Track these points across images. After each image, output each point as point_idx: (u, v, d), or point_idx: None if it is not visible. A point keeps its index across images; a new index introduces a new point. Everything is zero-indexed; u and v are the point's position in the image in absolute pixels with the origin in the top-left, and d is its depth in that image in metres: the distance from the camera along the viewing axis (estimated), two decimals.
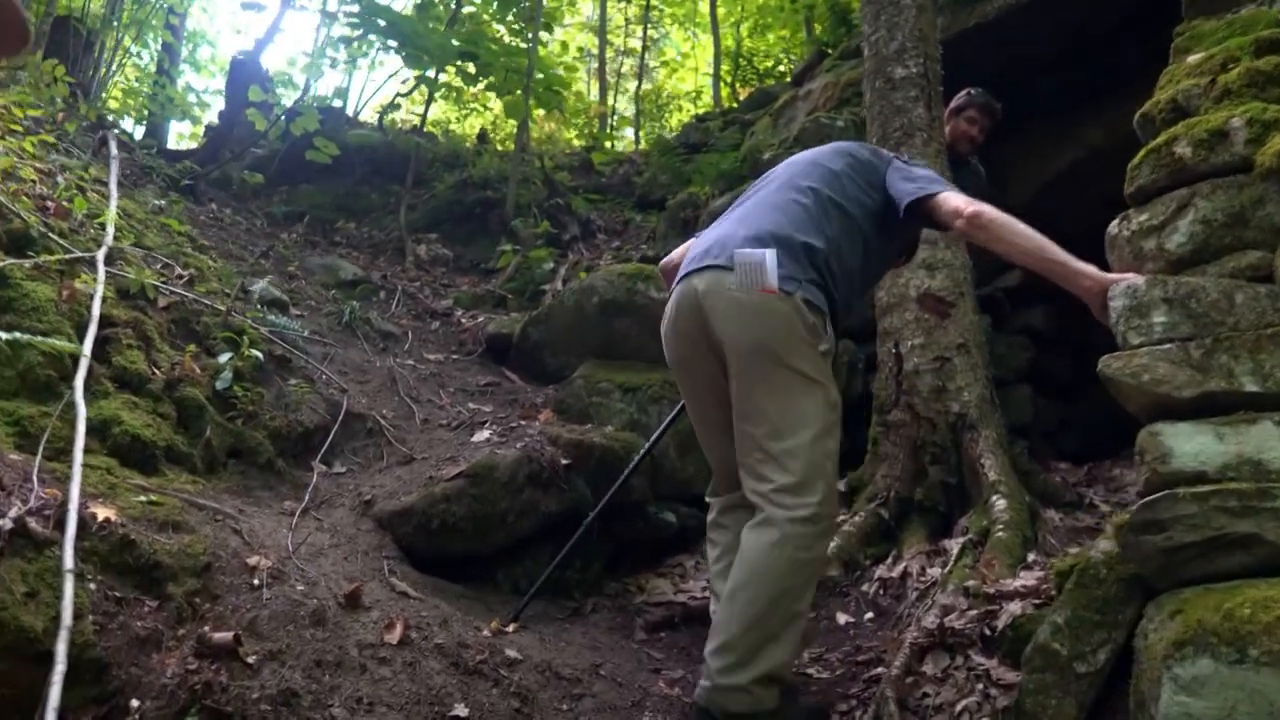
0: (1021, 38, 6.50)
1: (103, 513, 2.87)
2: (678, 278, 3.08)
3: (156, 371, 3.88)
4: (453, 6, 10.07)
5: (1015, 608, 3.20)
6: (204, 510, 3.31)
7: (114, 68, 11.38)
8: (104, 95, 10.64)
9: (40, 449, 3.07)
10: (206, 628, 2.76)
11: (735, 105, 12.22)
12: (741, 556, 2.83)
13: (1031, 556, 3.81)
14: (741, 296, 2.81)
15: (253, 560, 3.10)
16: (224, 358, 4.17)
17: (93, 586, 2.68)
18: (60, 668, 2.28)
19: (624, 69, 18.17)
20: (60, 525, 2.70)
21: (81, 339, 3.62)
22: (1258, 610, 2.13)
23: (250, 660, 2.70)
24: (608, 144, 13.18)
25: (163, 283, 4.48)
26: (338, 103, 11.53)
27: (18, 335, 3.27)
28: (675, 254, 3.39)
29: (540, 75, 9.21)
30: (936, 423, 4.59)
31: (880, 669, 3.35)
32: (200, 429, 3.85)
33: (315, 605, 3.01)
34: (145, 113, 11.76)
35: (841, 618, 3.94)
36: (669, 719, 3.12)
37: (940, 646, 3.26)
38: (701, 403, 3.19)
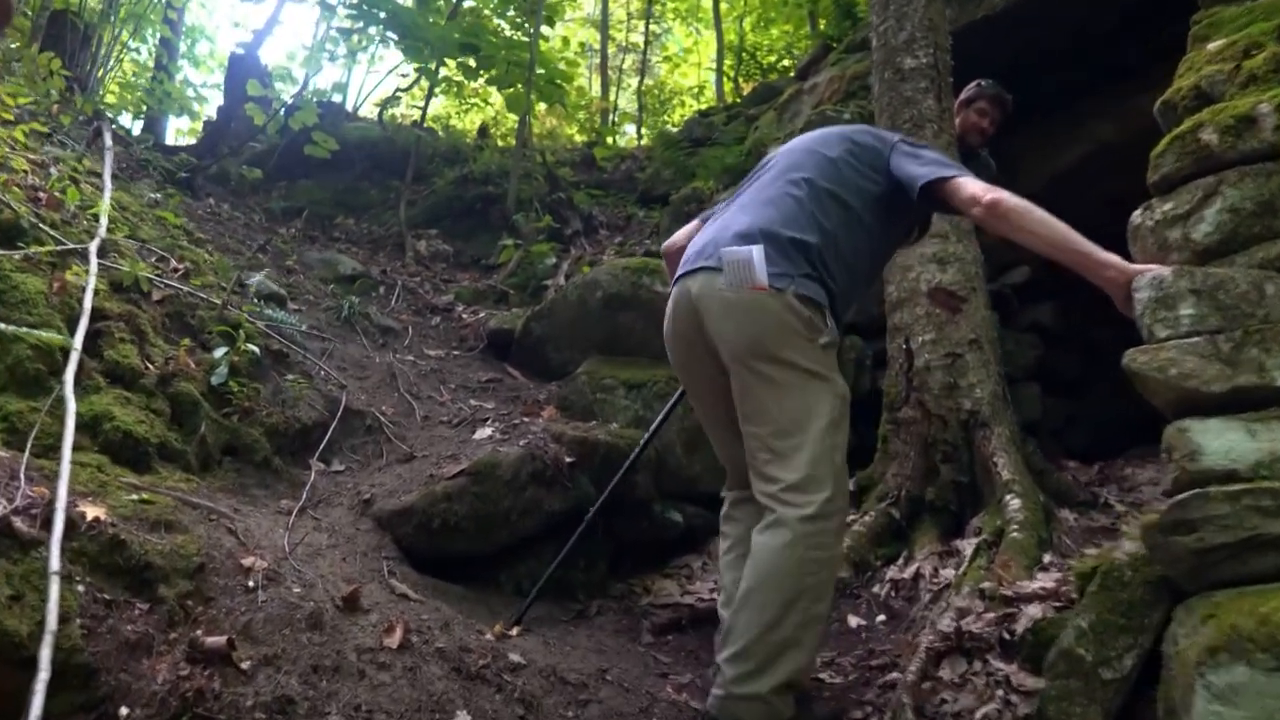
0: (1030, 29, 6.42)
1: (92, 512, 2.77)
2: (675, 278, 3.04)
3: (150, 366, 3.78)
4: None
5: (1035, 611, 3.11)
6: (198, 509, 3.21)
7: (111, 62, 11.29)
8: (101, 90, 10.53)
9: (28, 445, 2.97)
10: (199, 632, 2.66)
11: (739, 100, 12.15)
12: (753, 560, 2.75)
13: (1047, 557, 3.73)
14: (732, 296, 2.76)
15: (248, 561, 3.00)
16: (219, 352, 4.07)
17: (81, 588, 2.58)
18: (44, 674, 2.18)
19: (626, 64, 18.09)
20: (48, 525, 2.60)
21: (72, 332, 3.51)
22: None
23: (244, 666, 2.60)
24: (610, 139, 13.08)
25: (157, 276, 4.37)
26: (337, 97, 11.46)
27: (5, 327, 3.17)
28: (678, 236, 3.36)
29: (542, 70, 9.13)
30: (948, 420, 4.50)
31: (895, 674, 3.26)
32: (194, 425, 3.74)
33: (312, 608, 2.91)
34: (143, 108, 11.67)
35: (853, 620, 3.85)
36: None
37: (957, 651, 3.17)
38: (706, 403, 3.16)
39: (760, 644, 2.66)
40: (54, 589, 2.40)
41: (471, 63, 9.01)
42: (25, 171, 4.59)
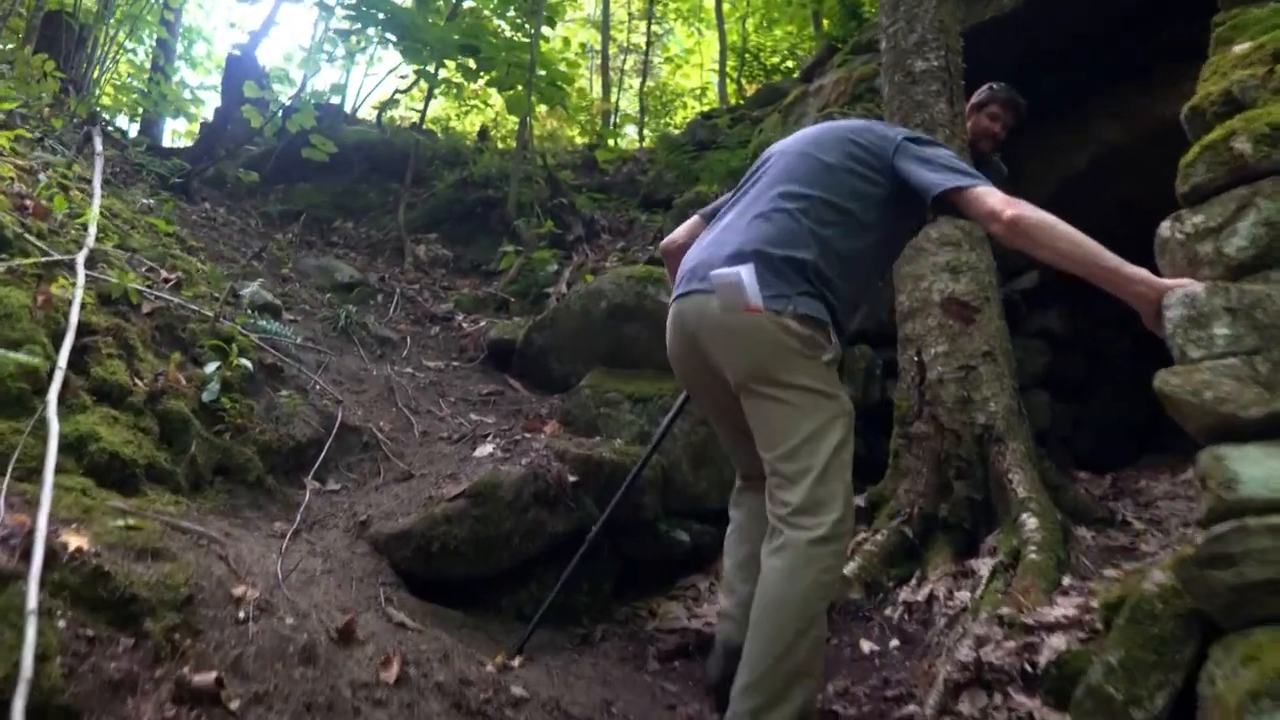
0: (1038, 30, 6.31)
1: (75, 541, 2.63)
2: (672, 297, 2.99)
3: (138, 383, 3.64)
4: (453, 0, 9.86)
5: (1058, 642, 3.00)
6: (187, 534, 3.08)
7: (107, 64, 11.18)
8: (96, 91, 10.42)
9: (9, 469, 2.84)
10: (186, 669, 2.53)
11: (742, 102, 12.04)
12: (762, 586, 2.66)
13: (1067, 580, 3.62)
14: (728, 320, 2.71)
15: (238, 591, 2.87)
16: (211, 367, 3.93)
17: (62, 624, 2.44)
18: None
19: (627, 65, 17.98)
20: (28, 556, 2.47)
21: (57, 348, 3.37)
22: None
23: (233, 706, 2.47)
24: (611, 142, 12.95)
25: (147, 287, 4.24)
26: (335, 99, 11.32)
27: None
28: (678, 233, 3.31)
29: (543, 71, 9.01)
30: (961, 435, 4.38)
31: (913, 706, 3.15)
32: (185, 445, 3.61)
33: (305, 640, 2.78)
34: (139, 110, 11.56)
35: (865, 645, 3.73)
36: None
37: (977, 683, 3.05)
38: (714, 414, 3.16)
39: (772, 675, 2.56)
40: (30, 630, 2.26)
41: (471, 64, 8.90)
42: (12, 178, 4.46)
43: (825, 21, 10.88)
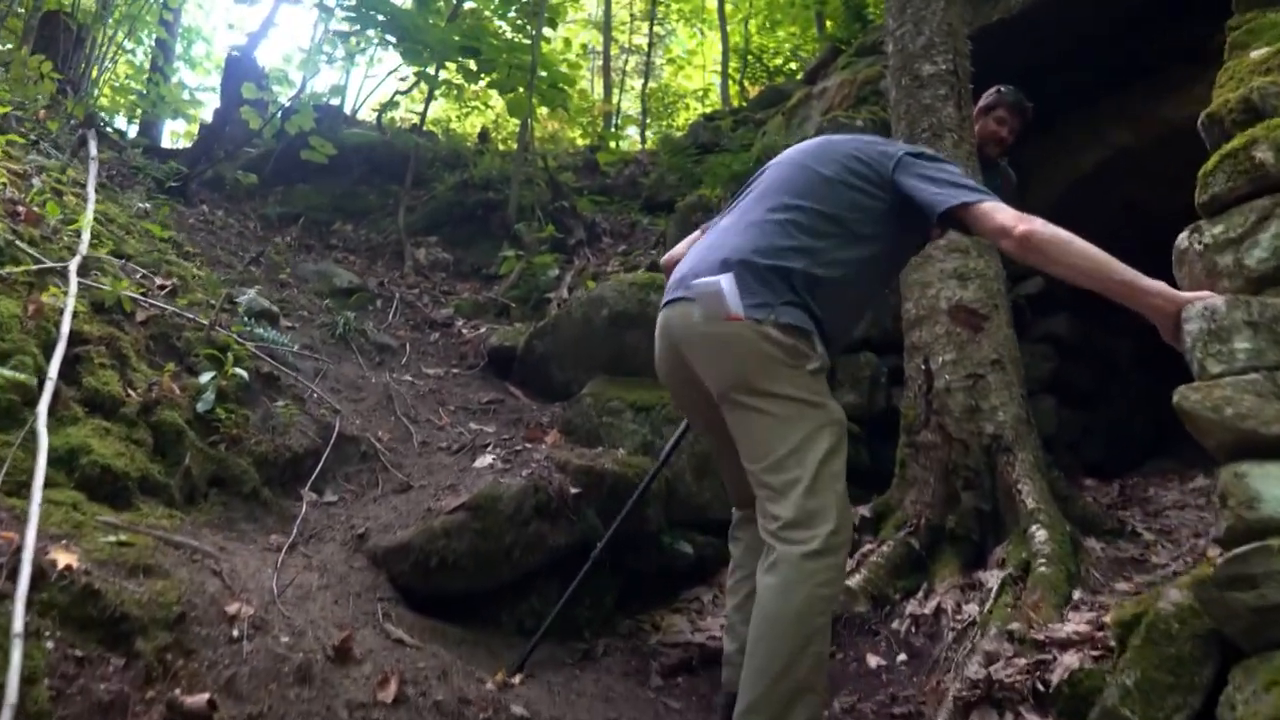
0: (1044, 32, 6.26)
1: (64, 559, 2.57)
2: (662, 303, 2.96)
3: (132, 393, 3.58)
4: (453, 1, 9.79)
5: (1071, 660, 2.93)
6: (180, 549, 3.02)
7: (106, 64, 11.13)
8: (95, 93, 10.36)
9: None
10: (178, 690, 2.47)
11: (745, 104, 11.98)
12: (758, 605, 2.61)
13: (1077, 594, 3.56)
14: (709, 330, 2.68)
15: (232, 608, 2.81)
16: (206, 377, 3.86)
17: (50, 645, 2.38)
18: None
19: (629, 66, 17.92)
20: (15, 575, 2.40)
21: (48, 358, 3.31)
22: None
23: None
24: (613, 144, 12.89)
25: (142, 294, 4.17)
26: (335, 100, 11.27)
27: None
28: (680, 248, 3.25)
29: (544, 72, 8.95)
30: (969, 444, 4.31)
31: None
32: (179, 456, 3.54)
33: (301, 659, 2.72)
34: (138, 111, 11.50)
35: (872, 660, 3.66)
36: None
37: (987, 701, 2.99)
38: (703, 429, 3.14)
39: (772, 694, 2.51)
40: (16, 653, 2.20)
41: (472, 66, 8.83)
42: (4, 184, 4.39)
43: (829, 23, 10.83)
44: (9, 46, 9.26)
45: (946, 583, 3.94)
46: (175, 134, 14.19)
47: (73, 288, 3.72)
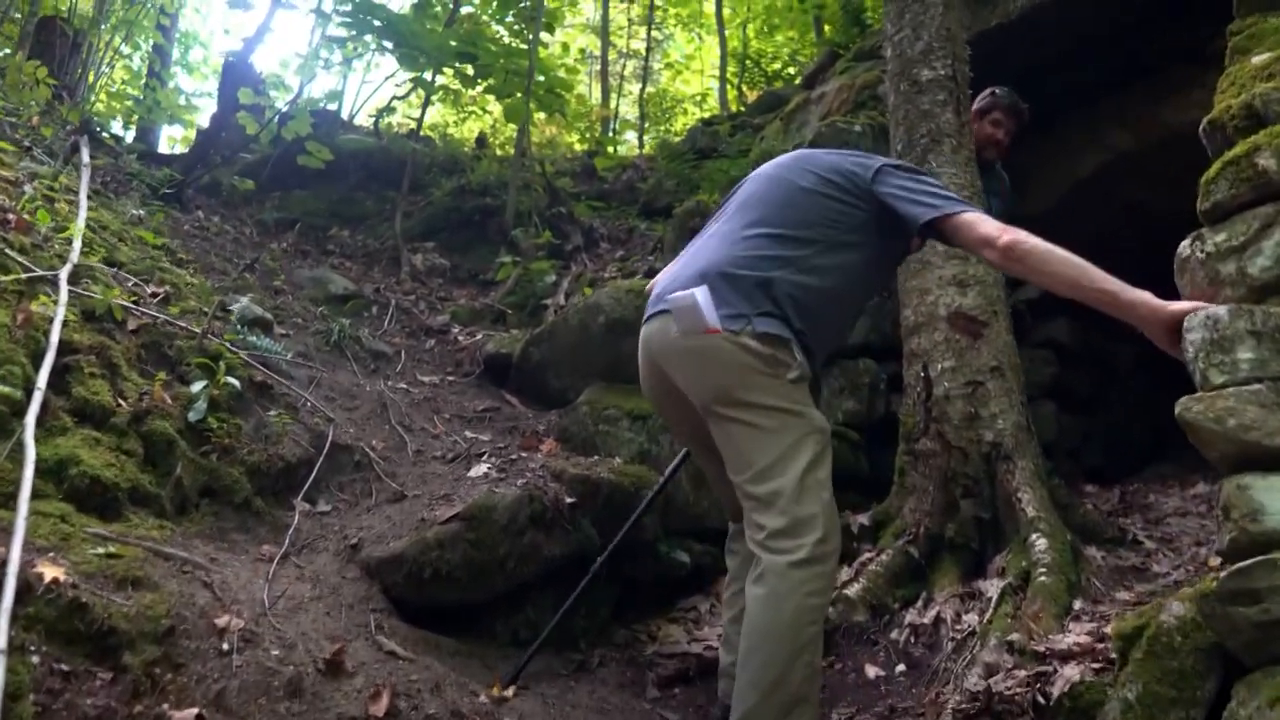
0: (1046, 33, 6.23)
1: (50, 572, 2.54)
2: (643, 320, 2.99)
3: (122, 403, 3.54)
4: (450, 6, 9.77)
5: (1071, 672, 2.90)
6: (171, 560, 2.99)
7: (102, 70, 11.12)
8: (91, 98, 10.34)
9: None
10: (166, 704, 2.45)
11: (743, 109, 11.95)
12: (748, 616, 2.60)
13: (1078, 603, 3.53)
14: (688, 343, 2.69)
15: (222, 621, 2.77)
16: (198, 386, 3.82)
17: (35, 659, 2.35)
18: None
19: (627, 71, 17.90)
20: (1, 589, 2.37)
21: (37, 368, 3.28)
22: None
23: None
24: (611, 149, 12.86)
25: (133, 302, 4.13)
26: (332, 106, 11.24)
27: None
28: (661, 276, 3.23)
29: (541, 77, 8.91)
30: (969, 452, 4.28)
31: None
32: (170, 466, 3.50)
33: (292, 673, 2.69)
34: (134, 116, 11.48)
35: (871, 670, 3.63)
36: None
37: (986, 714, 2.96)
38: (690, 442, 3.16)
39: (765, 707, 2.50)
40: (0, 670, 2.17)
41: (469, 71, 8.80)
42: None
43: (827, 27, 10.79)
44: (5, 52, 9.24)
45: (946, 592, 3.91)
46: (172, 139, 14.17)
47: (63, 296, 3.68)
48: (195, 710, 2.43)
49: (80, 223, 4.38)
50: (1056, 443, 6.05)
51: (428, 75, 9.35)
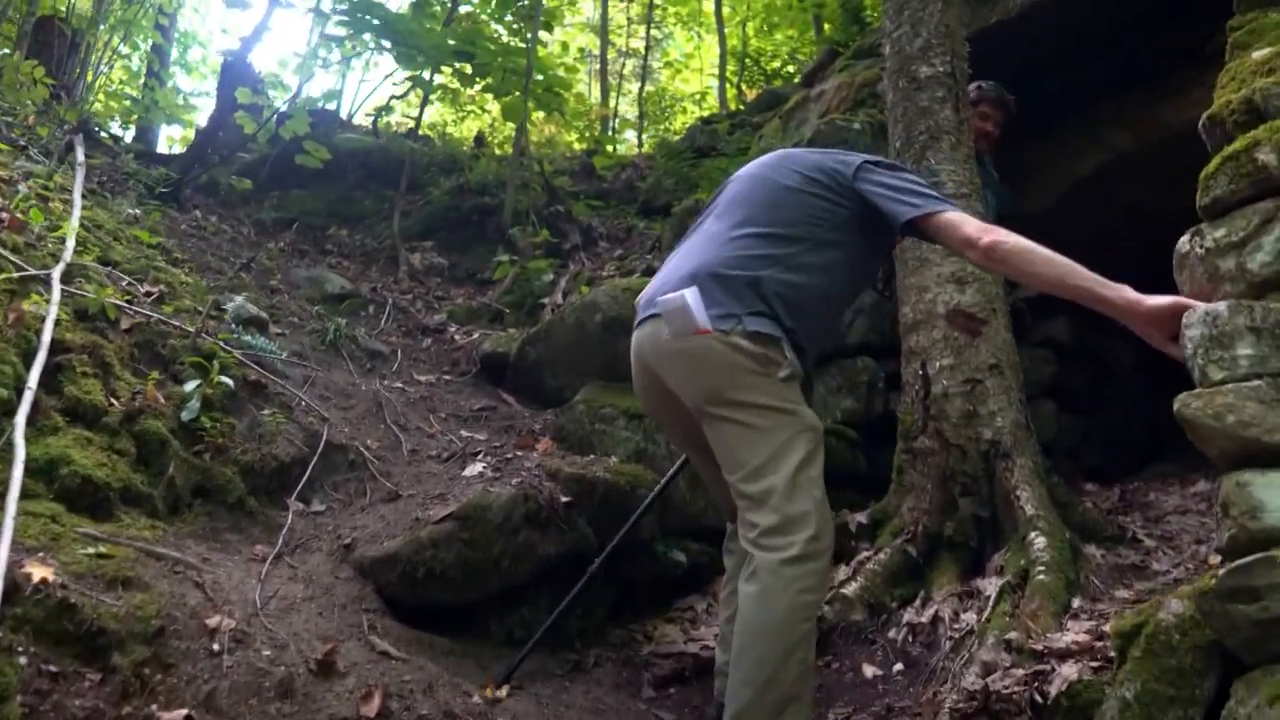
0: (1046, 31, 6.20)
1: (39, 572, 2.52)
2: (634, 325, 2.98)
3: (114, 402, 3.52)
4: (449, 5, 9.74)
5: (1070, 671, 2.87)
6: (162, 560, 2.97)
7: (102, 69, 11.11)
8: (89, 98, 10.31)
9: None
10: (155, 705, 2.43)
11: (742, 107, 11.92)
12: (740, 614, 2.61)
13: (1077, 602, 3.49)
14: (678, 345, 2.69)
15: (213, 621, 2.76)
16: (191, 385, 3.80)
17: (23, 660, 2.34)
18: None
19: (626, 70, 17.86)
20: None
21: (29, 367, 3.27)
22: None
23: None
24: (610, 148, 12.83)
25: (127, 301, 4.12)
26: (331, 105, 11.22)
27: None
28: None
29: (540, 76, 8.89)
30: (967, 450, 4.25)
31: None
32: (162, 466, 3.49)
33: (283, 673, 2.68)
34: (133, 116, 11.46)
35: (868, 669, 3.60)
36: None
37: (984, 713, 2.93)
38: (686, 445, 3.15)
39: (758, 706, 2.49)
40: None
41: (467, 70, 8.78)
42: None
43: (827, 26, 10.77)
44: (3, 52, 9.22)
45: (944, 591, 3.88)
46: (171, 140, 14.13)
47: (55, 295, 3.67)
48: (184, 711, 2.42)
49: (74, 221, 4.36)
50: (1056, 442, 6.01)
51: (426, 74, 9.32)
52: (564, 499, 3.81)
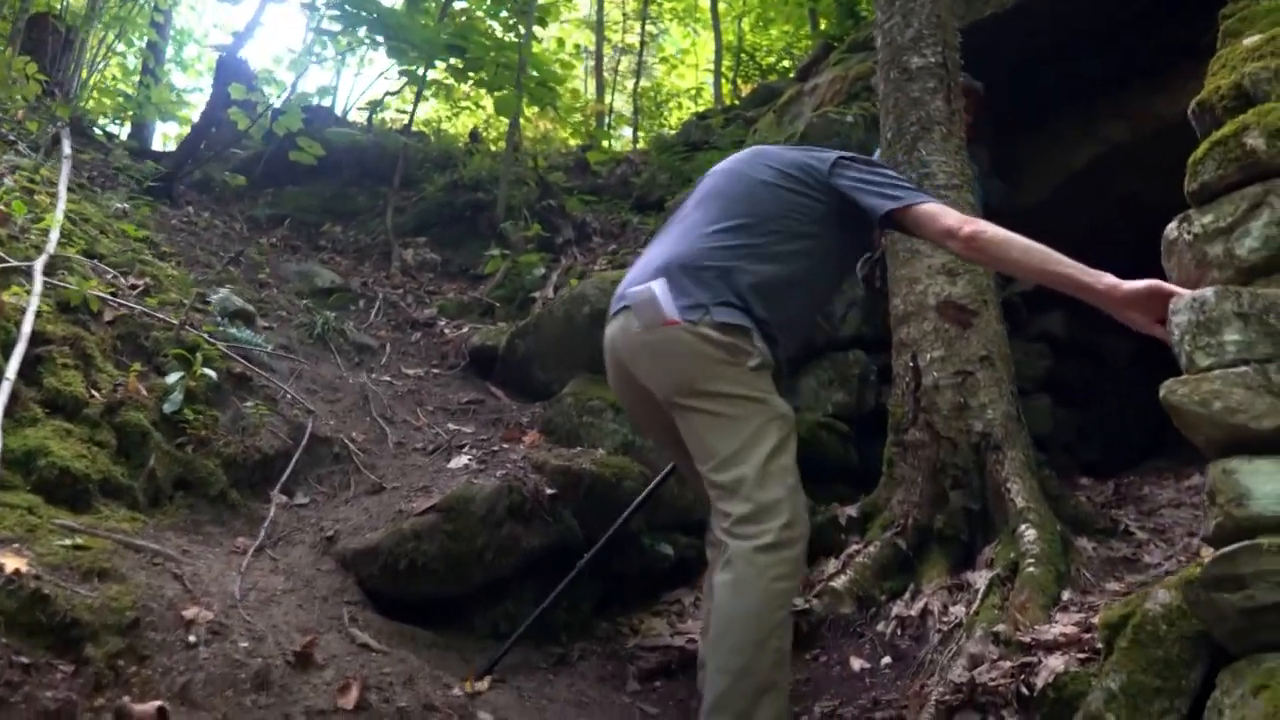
0: (1041, 25, 6.18)
1: (12, 563, 2.50)
2: (607, 319, 2.99)
3: (95, 394, 3.50)
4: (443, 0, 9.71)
5: (1056, 663, 2.85)
6: (141, 552, 2.95)
7: (96, 66, 11.06)
8: (84, 95, 10.28)
9: None
10: (128, 697, 2.40)
11: (737, 102, 11.88)
12: (715, 604, 2.62)
13: (1066, 594, 3.47)
14: (648, 338, 2.69)
15: (190, 613, 2.73)
16: (173, 377, 3.78)
17: None
18: None
19: (622, 66, 17.81)
20: None
21: (7, 358, 3.24)
22: None
23: None
24: (605, 143, 12.80)
25: (111, 294, 4.09)
26: (325, 101, 11.17)
27: None
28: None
29: (533, 71, 8.86)
30: (958, 443, 4.21)
31: None
32: (143, 458, 3.46)
33: (260, 665, 2.65)
34: (128, 113, 11.43)
35: (856, 663, 3.57)
36: None
37: (970, 705, 2.91)
38: (661, 439, 3.13)
39: (734, 693, 2.48)
40: None
41: (459, 64, 8.75)
42: None
43: (822, 20, 10.76)
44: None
45: (934, 584, 3.85)
46: (166, 136, 14.09)
47: (37, 287, 3.65)
48: (158, 703, 2.38)
49: (58, 214, 4.34)
50: (1052, 436, 6.00)
51: (419, 69, 9.29)
52: (549, 491, 3.78)
